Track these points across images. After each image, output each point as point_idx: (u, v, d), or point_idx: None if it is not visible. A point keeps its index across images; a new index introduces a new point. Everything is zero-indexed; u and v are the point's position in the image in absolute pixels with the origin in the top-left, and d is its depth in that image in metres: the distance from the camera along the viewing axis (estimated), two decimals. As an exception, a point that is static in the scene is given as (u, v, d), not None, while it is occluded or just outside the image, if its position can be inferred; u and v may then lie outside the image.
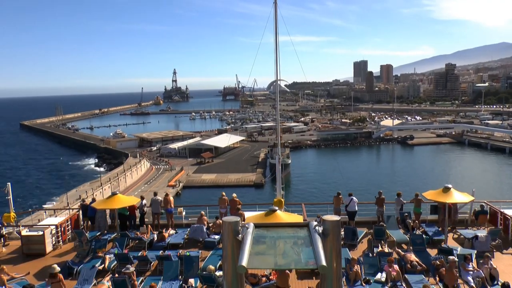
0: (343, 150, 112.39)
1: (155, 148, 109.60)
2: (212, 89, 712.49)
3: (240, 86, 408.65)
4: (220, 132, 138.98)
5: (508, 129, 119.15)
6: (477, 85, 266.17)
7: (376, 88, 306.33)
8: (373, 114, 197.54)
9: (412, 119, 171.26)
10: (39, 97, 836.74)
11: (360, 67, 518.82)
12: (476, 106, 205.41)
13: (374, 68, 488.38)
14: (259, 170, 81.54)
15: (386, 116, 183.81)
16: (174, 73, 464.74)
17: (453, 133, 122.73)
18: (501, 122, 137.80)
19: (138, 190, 69.83)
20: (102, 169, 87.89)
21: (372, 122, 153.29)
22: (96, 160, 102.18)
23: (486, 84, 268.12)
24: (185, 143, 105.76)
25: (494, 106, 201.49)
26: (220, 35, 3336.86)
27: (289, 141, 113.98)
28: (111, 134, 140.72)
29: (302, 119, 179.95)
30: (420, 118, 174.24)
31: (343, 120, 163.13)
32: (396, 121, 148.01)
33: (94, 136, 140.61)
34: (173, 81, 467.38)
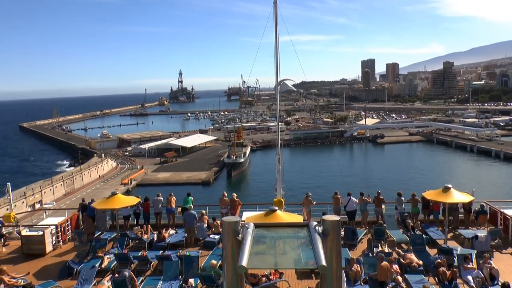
0: (314, 149, 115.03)
1: (130, 148, 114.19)
2: (220, 89, 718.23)
3: (245, 86, 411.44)
4: (201, 132, 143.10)
5: (479, 128, 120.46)
6: (473, 83, 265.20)
7: (373, 87, 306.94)
8: (362, 113, 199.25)
9: (397, 118, 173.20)
10: (47, 99, 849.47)
11: (367, 65, 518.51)
12: (466, 104, 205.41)
13: (383, 66, 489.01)
14: (215, 168, 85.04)
15: (374, 116, 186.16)
16: (180, 74, 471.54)
17: (425, 131, 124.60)
18: (477, 120, 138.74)
19: (93, 187, 74.40)
20: (72, 168, 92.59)
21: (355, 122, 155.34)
22: (70, 161, 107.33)
23: (482, 82, 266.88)
24: (158, 143, 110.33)
25: (486, 104, 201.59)
26: (223, 36, 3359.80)
27: (260, 141, 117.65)
28: (98, 135, 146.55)
29: (288, 119, 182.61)
30: (405, 117, 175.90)
31: (325, 119, 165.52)
32: (375, 120, 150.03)
33: (80, 137, 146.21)
34: (179, 82, 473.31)
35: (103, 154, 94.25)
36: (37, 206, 62.11)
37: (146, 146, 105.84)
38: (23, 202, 58.95)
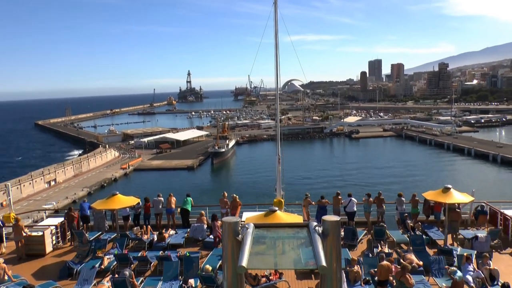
0: (295, 143, 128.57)
1: (132, 142, 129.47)
2: (228, 89, 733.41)
3: (252, 86, 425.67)
4: (198, 128, 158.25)
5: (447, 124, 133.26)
6: (465, 83, 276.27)
7: (370, 88, 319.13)
8: (353, 112, 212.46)
9: (384, 116, 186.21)
10: (60, 98, 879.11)
11: (374, 66, 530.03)
12: (455, 104, 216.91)
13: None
14: (201, 157, 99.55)
15: (363, 114, 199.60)
16: (189, 74, 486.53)
17: (397, 128, 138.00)
18: (450, 118, 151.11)
19: (97, 171, 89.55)
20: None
21: (341, 119, 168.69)
22: (80, 151, 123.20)
23: (474, 82, 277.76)
24: (156, 137, 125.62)
25: (474, 104, 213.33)
26: (229, 36, 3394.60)
27: (247, 135, 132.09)
28: (106, 131, 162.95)
29: (282, 117, 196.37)
30: (390, 115, 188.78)
31: (314, 117, 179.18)
32: (358, 118, 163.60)
33: (90, 133, 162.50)
34: (187, 82, 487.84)
35: (107, 145, 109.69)
36: (52, 183, 77.48)
37: (145, 139, 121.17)
38: (41, 179, 74.36)
